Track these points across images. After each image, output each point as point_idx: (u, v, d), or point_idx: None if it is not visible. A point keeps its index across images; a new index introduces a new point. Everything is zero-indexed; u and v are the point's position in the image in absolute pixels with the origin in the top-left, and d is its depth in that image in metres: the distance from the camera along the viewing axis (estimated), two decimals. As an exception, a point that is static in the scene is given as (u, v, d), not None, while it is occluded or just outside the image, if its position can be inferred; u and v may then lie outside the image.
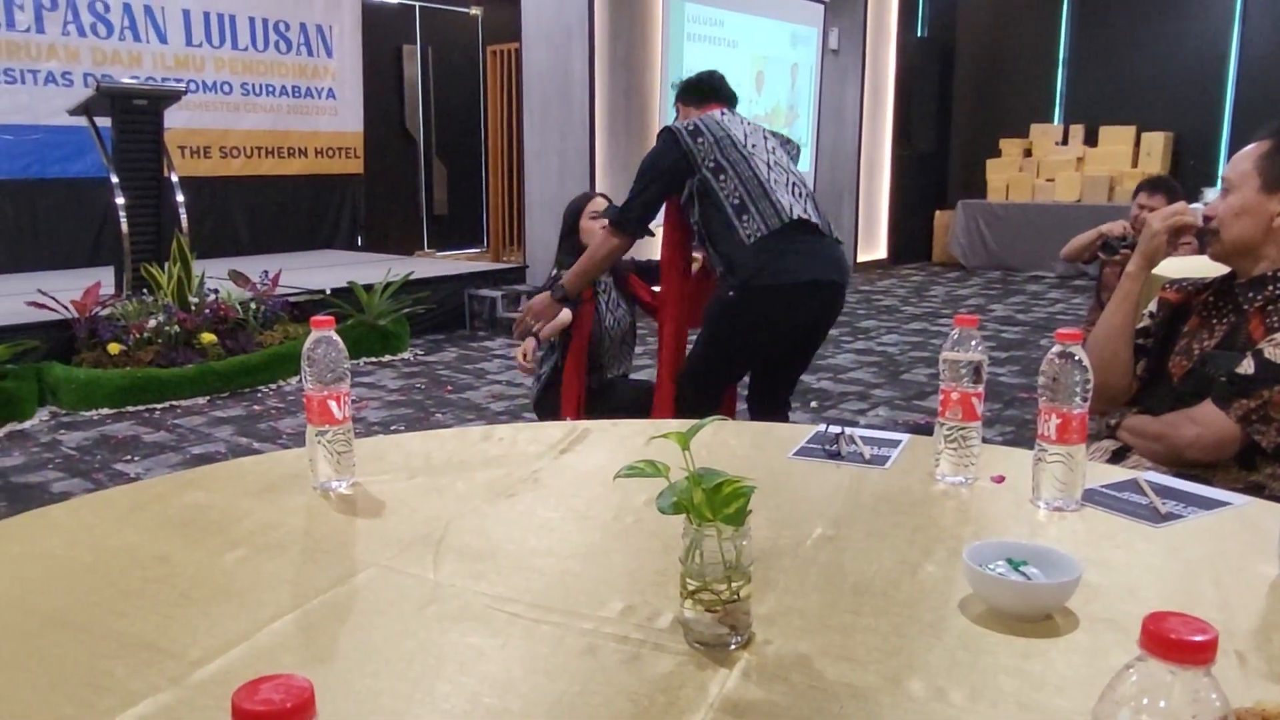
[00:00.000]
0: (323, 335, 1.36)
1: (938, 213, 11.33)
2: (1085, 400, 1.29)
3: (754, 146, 2.87)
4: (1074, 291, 9.05)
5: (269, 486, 1.43)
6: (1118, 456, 1.82)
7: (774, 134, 3.05)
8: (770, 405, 3.16)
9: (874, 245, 10.85)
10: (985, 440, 1.47)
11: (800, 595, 1.06)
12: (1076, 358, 1.29)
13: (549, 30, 7.31)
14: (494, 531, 1.27)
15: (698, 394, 3.01)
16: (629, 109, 7.54)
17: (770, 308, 2.82)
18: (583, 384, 3.27)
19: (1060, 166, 10.38)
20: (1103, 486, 1.38)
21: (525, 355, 3.21)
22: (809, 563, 1.15)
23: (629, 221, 2.94)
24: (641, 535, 1.25)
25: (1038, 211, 10.31)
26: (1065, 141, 10.63)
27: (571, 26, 7.17)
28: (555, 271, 3.35)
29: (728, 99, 3.07)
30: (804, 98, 9.22)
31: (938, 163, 11.72)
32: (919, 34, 11.63)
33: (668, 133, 2.92)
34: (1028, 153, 10.82)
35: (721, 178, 2.82)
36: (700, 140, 2.84)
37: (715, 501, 0.91)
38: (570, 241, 3.40)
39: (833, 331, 6.83)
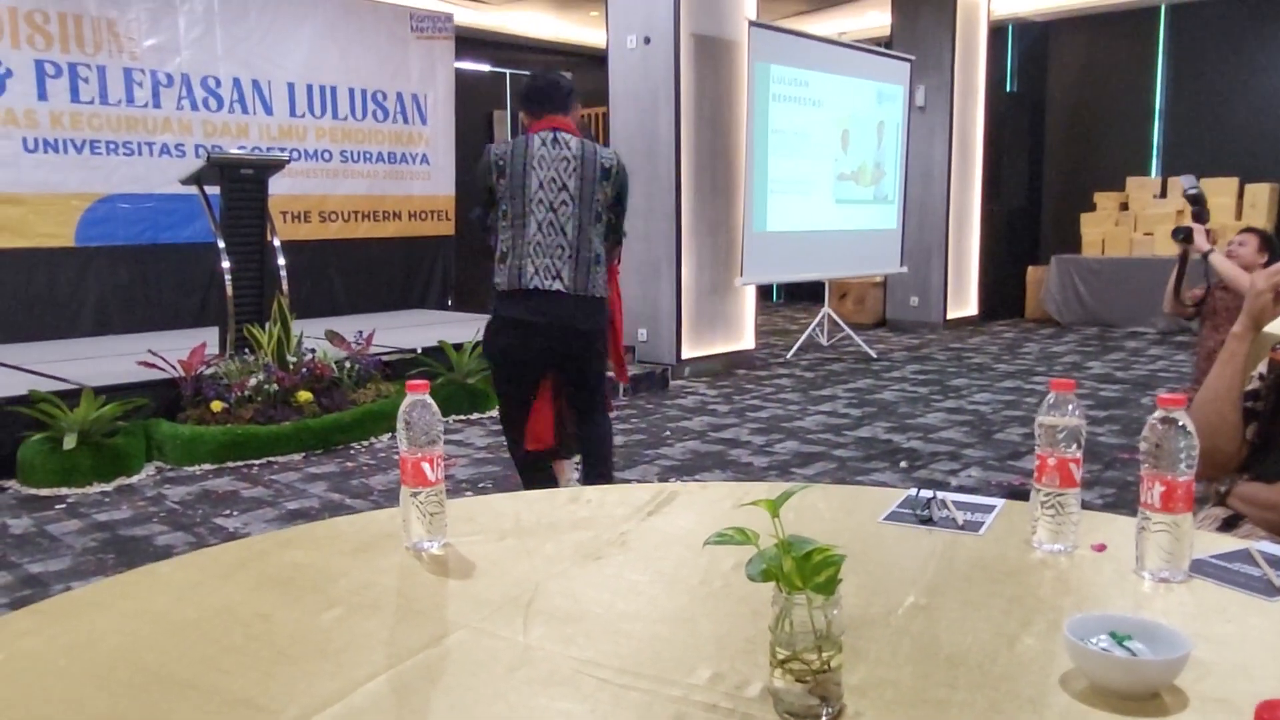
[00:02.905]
0: (418, 399, 1.39)
1: (1030, 268, 11.12)
2: (1191, 467, 1.25)
3: (539, 201, 3.15)
4: (1176, 348, 8.75)
5: (364, 546, 1.46)
6: (1228, 525, 1.74)
7: (578, 170, 3.19)
8: (580, 424, 3.53)
9: (964, 302, 10.68)
10: (1085, 504, 1.43)
11: (893, 666, 1.04)
12: (1180, 423, 1.25)
13: (636, 92, 7.45)
14: (582, 594, 1.27)
15: (504, 423, 3.55)
16: (715, 169, 7.61)
17: (504, 334, 3.28)
18: None
19: (1159, 220, 10.10)
20: (1212, 557, 1.33)
21: None
22: (901, 633, 1.13)
23: (478, 231, 3.38)
24: (730, 601, 1.24)
25: (1136, 266, 10.03)
26: (1163, 194, 10.36)
27: (658, 89, 7.30)
28: None
29: (561, 107, 3.25)
30: (891, 155, 9.19)
31: (1029, 217, 11.52)
32: (1008, 88, 11.53)
33: (485, 155, 3.23)
34: (1124, 206, 10.57)
35: (503, 222, 3.19)
36: (500, 181, 3.17)
37: (805, 569, 0.90)
38: None
39: (921, 389, 6.80)
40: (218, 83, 7.75)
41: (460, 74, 9.67)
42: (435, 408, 1.41)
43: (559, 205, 3.15)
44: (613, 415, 4.82)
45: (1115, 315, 10.10)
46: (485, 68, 11.02)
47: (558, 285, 3.16)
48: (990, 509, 1.57)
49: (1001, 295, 11.03)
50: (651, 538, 1.49)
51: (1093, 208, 10.68)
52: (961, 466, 4.85)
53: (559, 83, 3.32)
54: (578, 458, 4.75)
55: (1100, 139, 11.19)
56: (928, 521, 1.52)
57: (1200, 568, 1.29)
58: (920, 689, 0.99)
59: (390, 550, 1.44)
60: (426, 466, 1.40)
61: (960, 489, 4.45)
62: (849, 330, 9.10)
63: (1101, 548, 1.38)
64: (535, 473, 3.55)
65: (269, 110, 8.06)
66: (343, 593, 1.29)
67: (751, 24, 7.55)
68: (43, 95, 6.88)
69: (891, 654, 1.07)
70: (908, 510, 1.57)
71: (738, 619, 1.18)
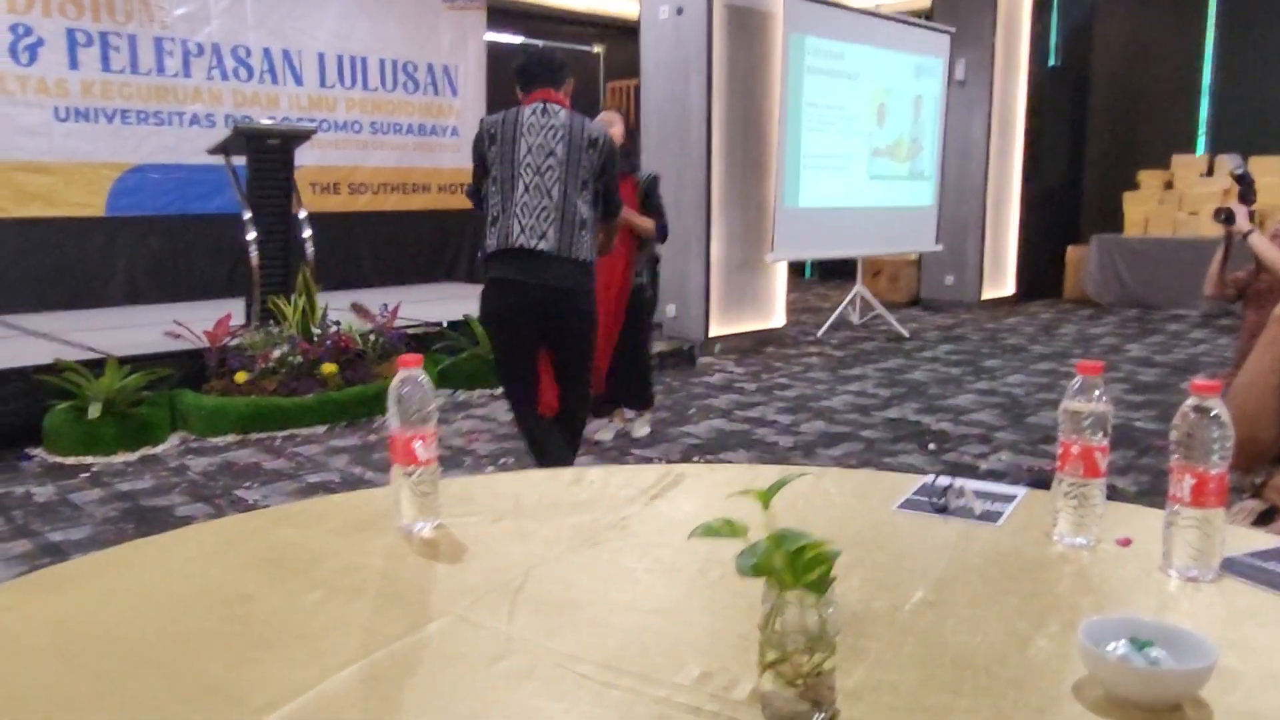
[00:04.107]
0: (409, 374, 1.34)
1: (1070, 248, 10.89)
2: (1224, 459, 1.17)
3: (527, 165, 3.26)
4: (1219, 332, 8.54)
5: (356, 526, 1.42)
6: (1264, 519, 1.65)
7: (565, 138, 3.27)
8: (562, 405, 3.53)
9: (1001, 281, 10.48)
10: (1117, 491, 1.36)
11: (894, 668, 0.98)
12: (1214, 413, 1.16)
13: (668, 63, 7.34)
14: (574, 581, 1.22)
15: (504, 387, 3.64)
16: (746, 142, 7.50)
17: (494, 296, 3.36)
18: None
19: (1205, 199, 9.82)
20: (1245, 555, 1.25)
21: None
22: (906, 631, 1.06)
23: (470, 200, 3.52)
24: (727, 593, 1.18)
25: (1180, 247, 9.78)
26: (1210, 173, 10.09)
27: (690, 60, 7.19)
28: None
29: (552, 81, 3.37)
30: (928, 130, 9.01)
31: (1070, 196, 11.27)
32: (1050, 63, 11.26)
33: (479, 128, 3.39)
34: (1169, 185, 10.31)
35: (493, 187, 3.30)
36: (492, 148, 3.30)
37: (797, 566, 0.84)
38: None
39: (953, 370, 6.67)
40: (248, 52, 7.73)
41: (492, 46, 9.59)
42: (428, 383, 1.35)
43: (546, 170, 3.26)
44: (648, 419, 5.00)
45: (1157, 297, 9.88)
46: (518, 39, 10.92)
47: (543, 245, 3.24)
48: (1010, 498, 1.49)
49: (1040, 275, 10.81)
50: (653, 522, 1.43)
51: (1136, 186, 10.43)
52: (991, 449, 4.75)
53: (551, 58, 3.48)
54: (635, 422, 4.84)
55: (1145, 116, 10.91)
56: (944, 510, 1.45)
57: (1232, 566, 1.21)
58: (921, 694, 0.92)
59: (382, 531, 1.39)
60: (418, 445, 1.35)
61: (990, 473, 4.35)
62: (881, 309, 8.97)
63: (1127, 542, 1.30)
64: (541, 436, 3.53)
65: (299, 81, 8.05)
66: (328, 574, 1.24)
67: (786, -5, 7.41)
68: (74, 64, 6.91)
69: (894, 654, 1.00)
70: (924, 498, 1.50)
71: (733, 613, 1.12)
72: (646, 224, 4.44)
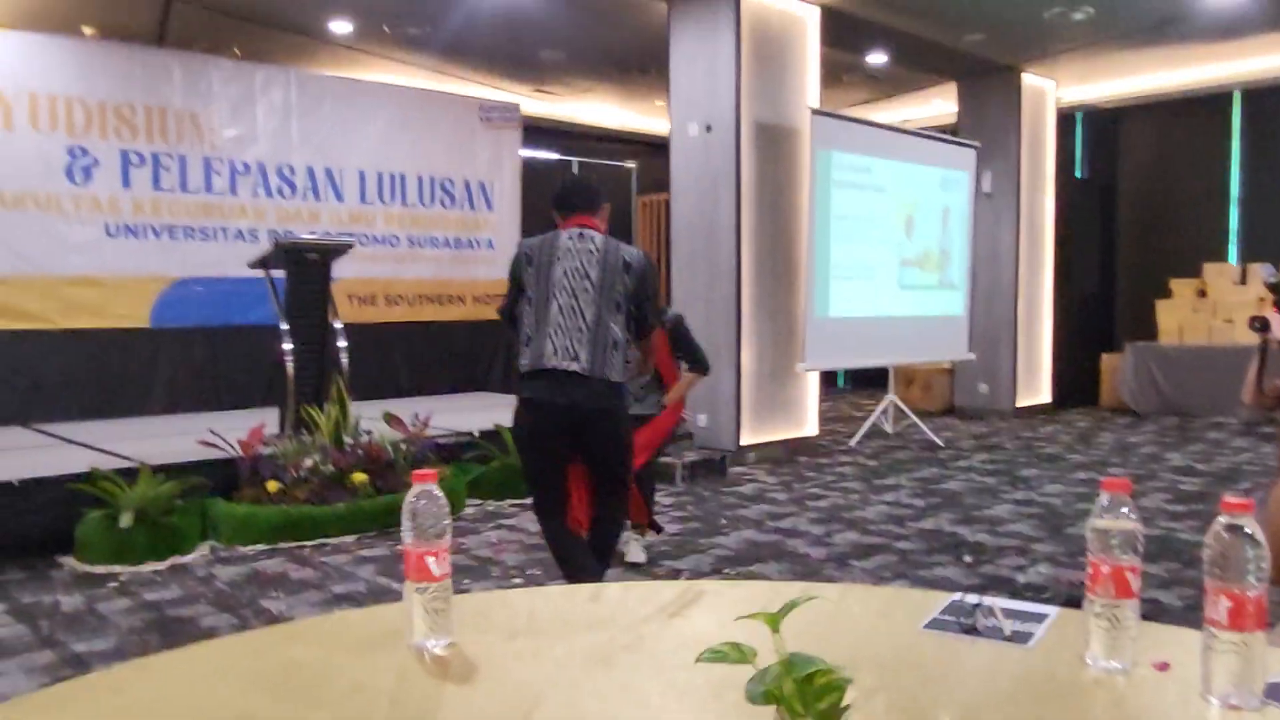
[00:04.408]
0: (424, 489, 1.33)
1: (1104, 355, 10.80)
2: (1261, 580, 1.12)
3: (562, 287, 3.33)
4: (1262, 439, 8.36)
5: (367, 643, 1.39)
6: (1311, 641, 1.58)
7: (601, 262, 3.34)
8: (594, 522, 3.59)
9: (1035, 389, 10.39)
10: (1161, 605, 1.31)
11: (916, 803, 0.93)
12: (1248, 531, 1.12)
13: (698, 178, 7.50)
14: (585, 703, 1.18)
15: (533, 503, 3.64)
16: (775, 254, 7.58)
17: (525, 415, 3.41)
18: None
19: (1239, 307, 9.76)
20: (1291, 680, 1.19)
21: None
22: (930, 762, 1.01)
23: (501, 317, 3.58)
24: (741, 717, 1.13)
25: (1216, 354, 9.67)
26: (1243, 281, 10.04)
27: (719, 175, 7.34)
28: None
29: (589, 207, 3.49)
30: (957, 240, 9.08)
31: (1102, 304, 11.25)
32: (1077, 174, 11.38)
33: (517, 249, 3.50)
34: (1202, 293, 10.25)
35: (528, 308, 3.37)
36: (529, 269, 3.38)
37: (807, 693, 0.81)
38: None
39: (989, 480, 6.56)
40: (292, 170, 8.01)
41: (527, 161, 9.87)
42: (443, 499, 1.34)
43: (580, 292, 3.33)
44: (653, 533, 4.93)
45: (1195, 404, 9.72)
46: (553, 155, 11.25)
47: (575, 366, 3.29)
48: (1042, 618, 1.44)
49: (1075, 383, 10.72)
50: (669, 641, 1.40)
51: (1168, 294, 10.39)
52: (1029, 562, 4.62)
53: (587, 185, 3.71)
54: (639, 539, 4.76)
55: (1174, 225, 10.94)
56: (972, 631, 1.40)
57: (1277, 693, 1.15)
58: (944, 832, 0.87)
59: (394, 649, 1.36)
60: (431, 561, 1.33)
61: (1028, 586, 4.23)
62: (915, 418, 8.89)
63: (1164, 666, 1.25)
64: (569, 552, 3.51)
65: (340, 197, 8.30)
66: (335, 695, 1.21)
67: (814, 112, 7.58)
68: (126, 183, 7.18)
69: (916, 787, 0.96)
70: (951, 617, 1.45)
71: (750, 739, 1.08)
72: (690, 383, 4.62)
